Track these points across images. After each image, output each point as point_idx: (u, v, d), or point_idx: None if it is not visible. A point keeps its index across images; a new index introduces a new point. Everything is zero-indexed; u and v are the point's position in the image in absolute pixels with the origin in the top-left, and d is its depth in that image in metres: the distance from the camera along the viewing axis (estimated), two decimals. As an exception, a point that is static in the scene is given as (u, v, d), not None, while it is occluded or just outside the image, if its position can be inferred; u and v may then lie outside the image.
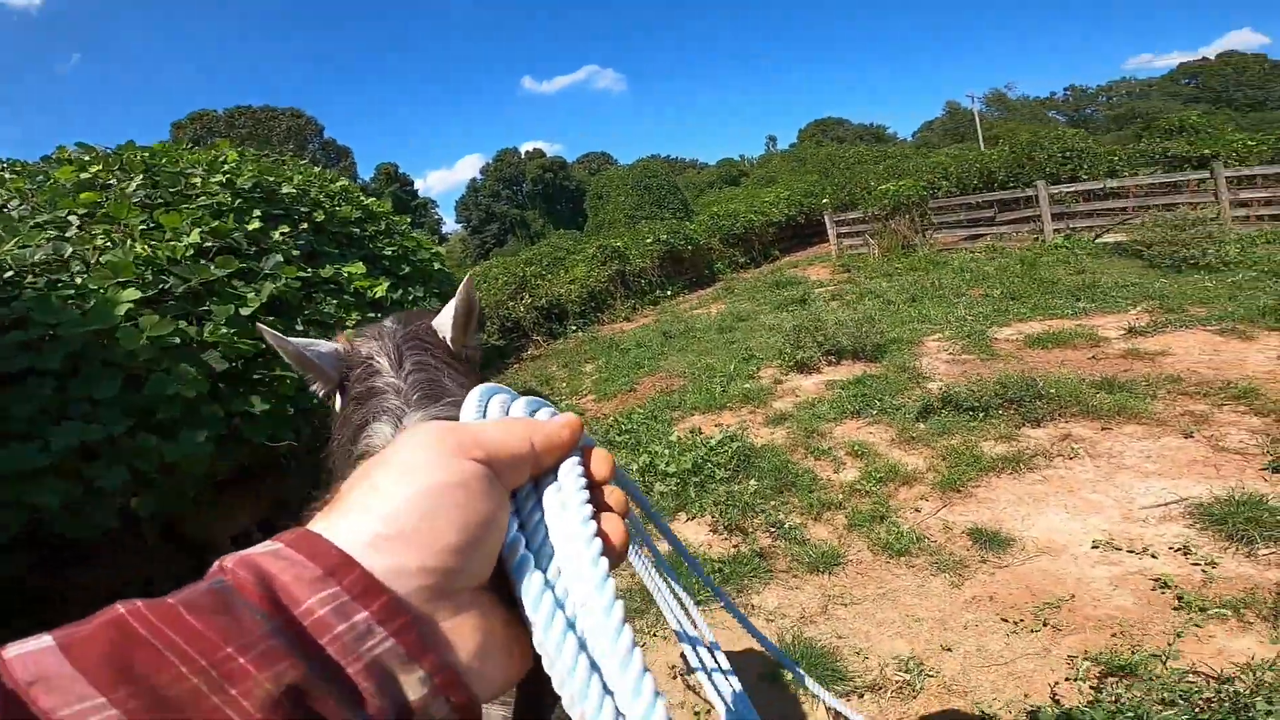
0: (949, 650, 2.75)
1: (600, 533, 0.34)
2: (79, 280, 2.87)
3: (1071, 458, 4.14)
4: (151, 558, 3.21)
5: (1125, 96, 70.72)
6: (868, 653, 2.83)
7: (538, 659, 0.31)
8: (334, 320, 4.41)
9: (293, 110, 45.33)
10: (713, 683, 1.12)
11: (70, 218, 3.48)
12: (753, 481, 4.37)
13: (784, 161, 41.93)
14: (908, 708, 2.51)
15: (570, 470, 0.36)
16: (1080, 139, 12.02)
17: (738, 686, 1.11)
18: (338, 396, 0.75)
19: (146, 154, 4.65)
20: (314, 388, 0.75)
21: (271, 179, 4.87)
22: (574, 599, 0.31)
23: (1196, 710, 2.12)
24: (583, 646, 0.30)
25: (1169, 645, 2.44)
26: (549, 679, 0.30)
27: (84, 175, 4.04)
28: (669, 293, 14.48)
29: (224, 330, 3.21)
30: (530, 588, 0.31)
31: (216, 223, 3.84)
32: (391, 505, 0.29)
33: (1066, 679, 2.47)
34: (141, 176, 4.12)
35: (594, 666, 0.29)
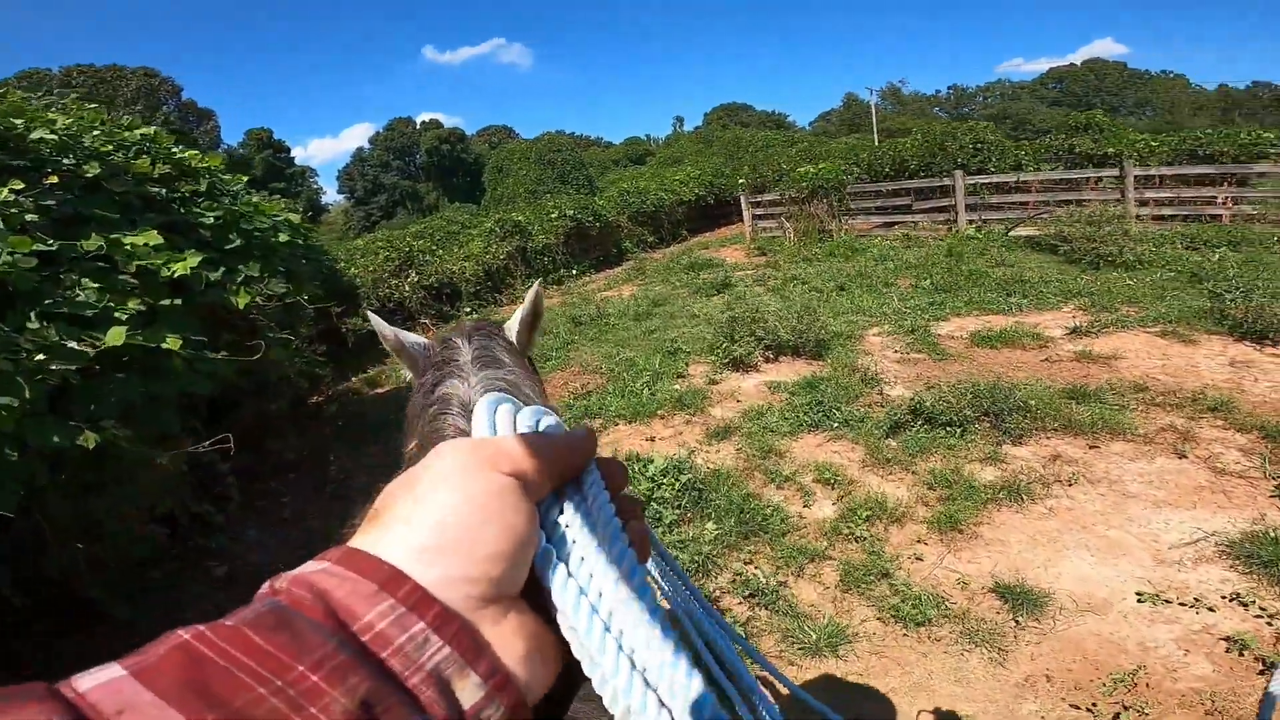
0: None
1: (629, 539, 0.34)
2: None
3: (1071, 484, 3.67)
4: None
5: (999, 97, 76.34)
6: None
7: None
8: (97, 311, 3.00)
9: (145, 69, 39.30)
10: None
11: None
12: (710, 524, 3.43)
13: (691, 143, 41.47)
14: None
15: (594, 482, 0.37)
16: (990, 131, 12.07)
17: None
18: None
19: None
20: (407, 374, 0.82)
21: (19, 121, 3.30)
22: (608, 602, 0.31)
23: None
24: (621, 646, 0.30)
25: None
26: (570, 685, 0.33)
27: None
28: (575, 272, 13.30)
29: None
30: (567, 593, 0.31)
31: None
32: (434, 518, 0.30)
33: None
34: None
35: (634, 664, 0.30)
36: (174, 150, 4.55)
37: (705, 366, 6.05)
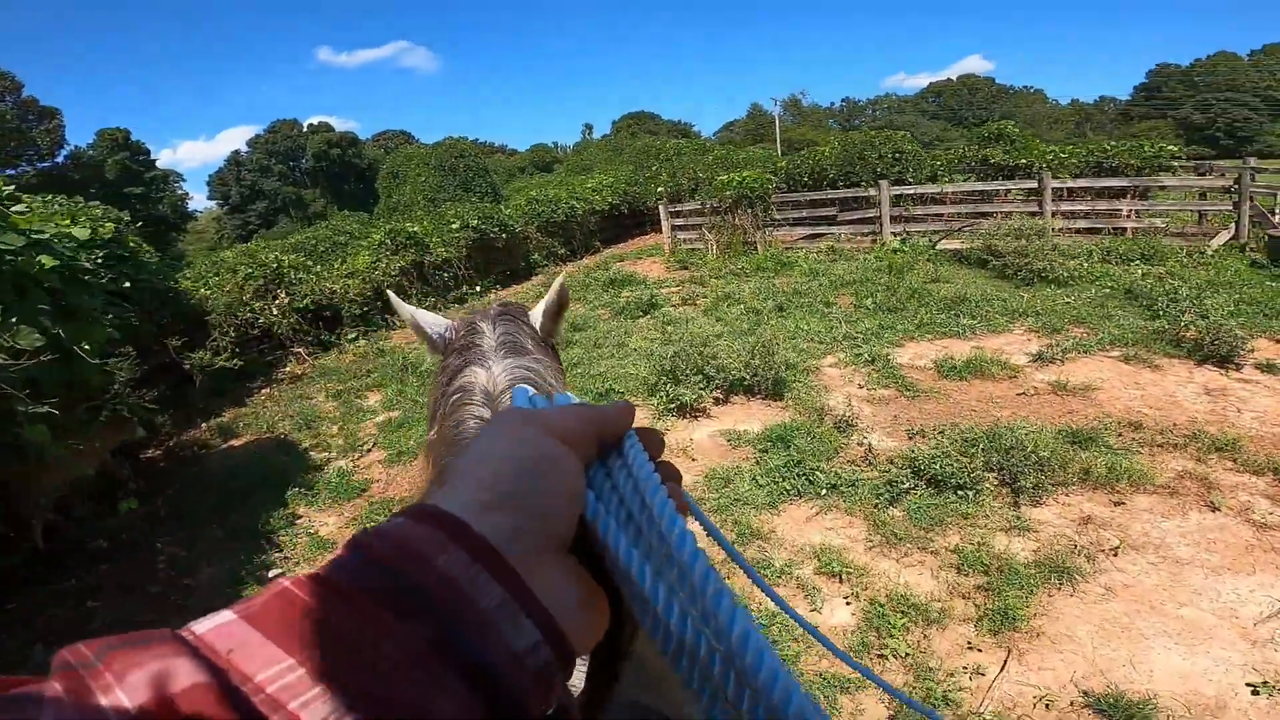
0: None
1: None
2: None
3: (1116, 553, 3.13)
4: None
5: (887, 110, 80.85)
6: None
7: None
8: None
9: None
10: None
11: None
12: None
13: (600, 150, 40.67)
14: None
15: (633, 445, 0.39)
16: (908, 141, 11.93)
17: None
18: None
19: None
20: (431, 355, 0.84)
21: None
22: (656, 550, 0.32)
23: None
24: (672, 590, 0.32)
25: None
26: (616, 646, 0.37)
27: None
28: (479, 289, 11.94)
29: None
30: (620, 545, 0.33)
31: None
32: (494, 476, 0.32)
33: None
34: None
35: (683, 608, 0.31)
36: None
37: (643, 410, 5.05)
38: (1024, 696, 2.37)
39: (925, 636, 2.64)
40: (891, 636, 2.62)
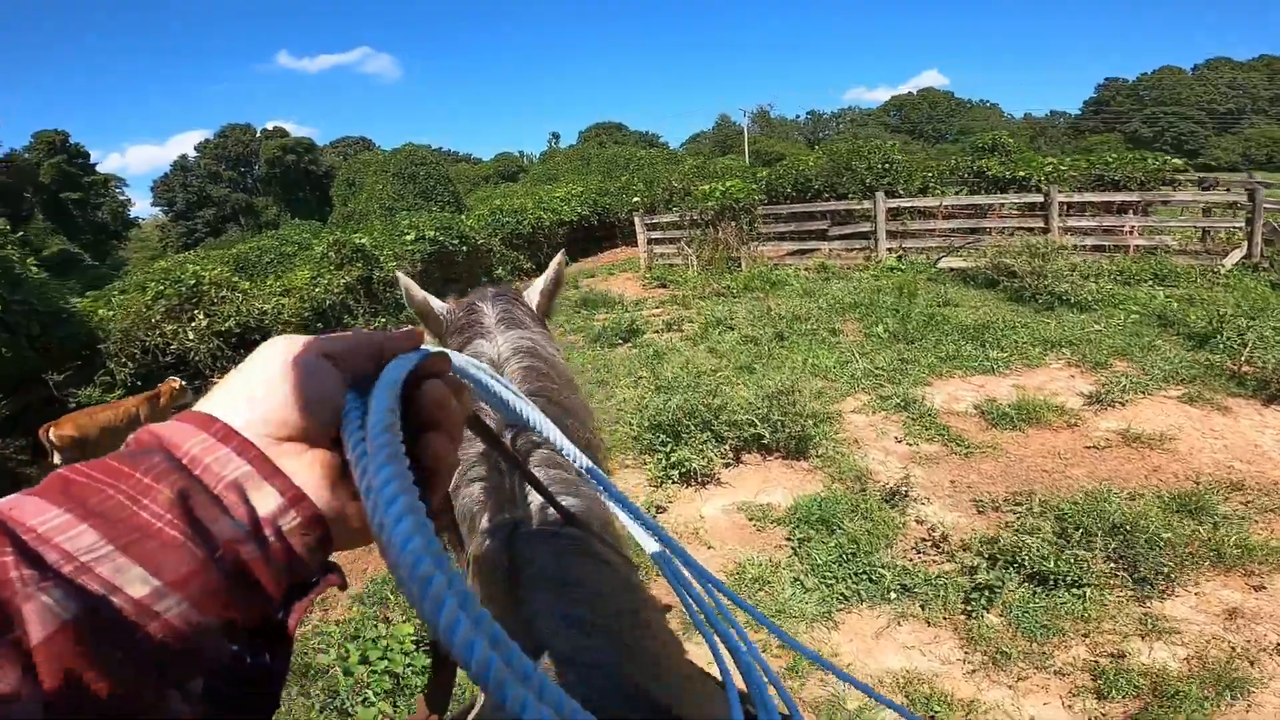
0: None
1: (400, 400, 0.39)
2: None
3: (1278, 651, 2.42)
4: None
5: (851, 124, 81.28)
6: None
7: None
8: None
9: None
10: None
11: None
12: None
13: (567, 160, 39.69)
14: None
15: (394, 365, 0.40)
16: (897, 150, 11.28)
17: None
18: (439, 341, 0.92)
19: None
20: (426, 335, 0.74)
21: None
22: (373, 454, 0.35)
23: None
24: (372, 485, 0.34)
25: None
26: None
27: None
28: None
29: None
30: (349, 439, 0.37)
31: None
32: (246, 380, 0.38)
33: None
34: None
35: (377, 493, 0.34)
36: None
37: (637, 475, 4.05)
38: None
39: None
40: None
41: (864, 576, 2.88)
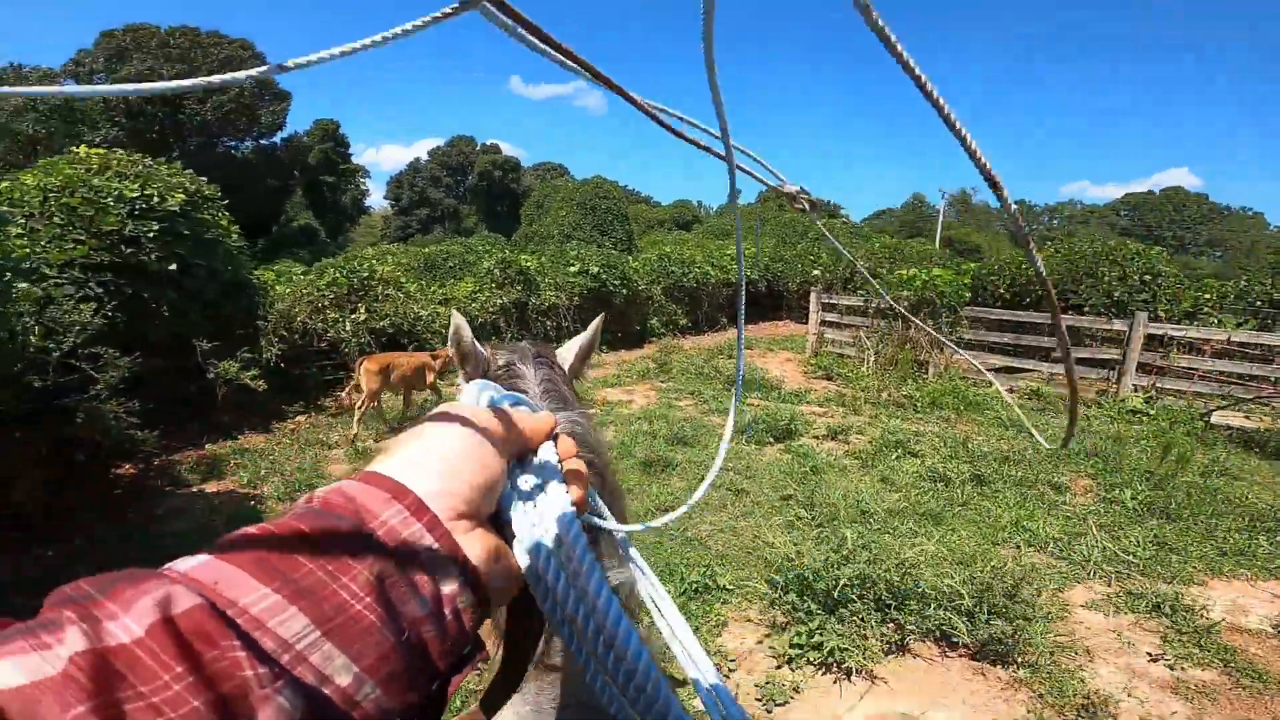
0: None
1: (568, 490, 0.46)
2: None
3: None
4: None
5: (1067, 220, 71.79)
6: None
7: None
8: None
9: (242, 42, 38.31)
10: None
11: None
12: None
13: (743, 217, 39.32)
14: None
15: (548, 449, 0.48)
16: (1164, 260, 9.03)
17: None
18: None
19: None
20: (462, 375, 0.86)
21: None
22: (544, 528, 0.42)
23: None
24: (552, 554, 0.41)
25: None
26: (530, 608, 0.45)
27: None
28: (584, 346, 10.35)
29: None
30: (519, 519, 0.43)
31: None
32: (432, 452, 0.40)
33: None
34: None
35: (567, 586, 0.41)
36: None
37: (753, 633, 2.92)
38: None
39: None
40: None
41: None
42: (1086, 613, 3.39)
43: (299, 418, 6.76)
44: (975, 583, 3.00)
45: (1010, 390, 8.09)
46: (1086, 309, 8.67)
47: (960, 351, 1.27)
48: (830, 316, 10.29)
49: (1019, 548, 4.00)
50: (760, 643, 3.00)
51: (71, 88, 0.47)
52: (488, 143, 64.43)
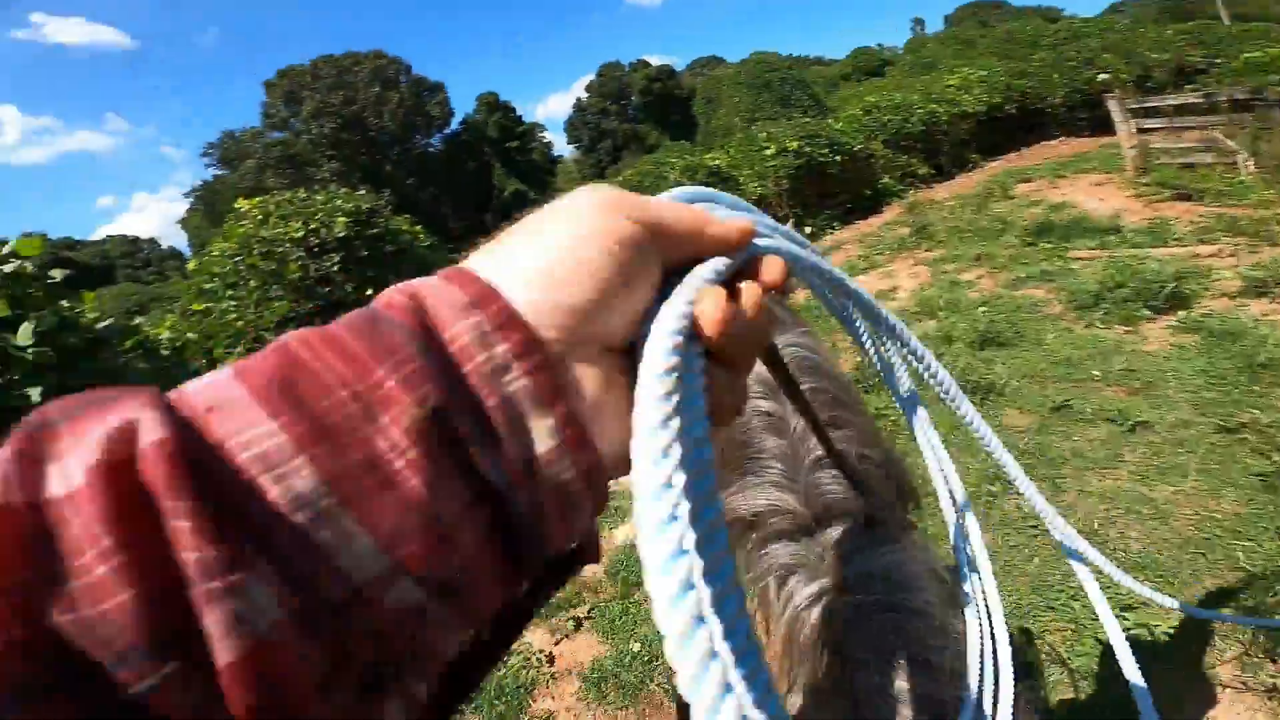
0: None
1: (694, 312, 0.28)
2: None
3: None
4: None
5: None
6: None
7: None
8: None
9: (376, 52, 41.21)
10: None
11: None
12: None
13: (944, 45, 32.78)
14: None
15: (714, 261, 0.32)
16: None
17: None
18: None
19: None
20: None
21: None
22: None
23: None
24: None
25: None
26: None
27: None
28: (809, 231, 8.74)
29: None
30: (648, 350, 0.29)
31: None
32: (544, 245, 0.27)
33: None
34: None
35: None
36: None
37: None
38: None
39: None
40: None
41: None
42: None
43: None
44: None
45: None
46: None
47: None
48: (1151, 123, 7.37)
49: None
50: None
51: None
52: (635, 60, 61.69)
